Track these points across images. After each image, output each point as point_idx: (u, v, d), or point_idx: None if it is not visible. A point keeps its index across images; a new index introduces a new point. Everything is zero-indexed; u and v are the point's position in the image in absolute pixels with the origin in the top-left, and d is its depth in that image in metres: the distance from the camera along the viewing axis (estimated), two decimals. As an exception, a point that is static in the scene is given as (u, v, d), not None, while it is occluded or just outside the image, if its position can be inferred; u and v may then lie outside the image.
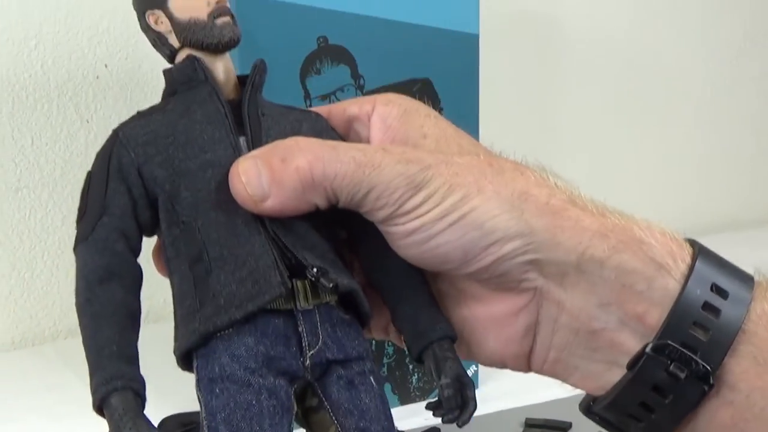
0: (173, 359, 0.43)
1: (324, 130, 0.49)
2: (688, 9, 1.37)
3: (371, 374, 0.45)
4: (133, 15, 0.47)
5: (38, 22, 1.00)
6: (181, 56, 0.47)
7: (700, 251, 0.46)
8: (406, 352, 0.48)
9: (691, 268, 0.45)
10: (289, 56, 0.75)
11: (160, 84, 1.11)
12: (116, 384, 0.41)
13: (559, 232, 0.45)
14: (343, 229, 0.49)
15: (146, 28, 0.48)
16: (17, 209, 1.04)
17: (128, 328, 0.43)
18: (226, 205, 0.44)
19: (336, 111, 0.50)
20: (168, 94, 0.48)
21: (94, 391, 0.41)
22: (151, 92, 1.05)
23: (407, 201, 0.44)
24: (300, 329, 0.43)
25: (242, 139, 0.46)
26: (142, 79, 1.05)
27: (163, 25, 0.47)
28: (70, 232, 1.04)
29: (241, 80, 0.48)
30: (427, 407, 0.46)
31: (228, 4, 0.48)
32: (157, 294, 1.12)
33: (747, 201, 1.47)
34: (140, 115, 0.46)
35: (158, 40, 0.48)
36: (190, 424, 0.74)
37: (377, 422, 0.44)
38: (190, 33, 0.47)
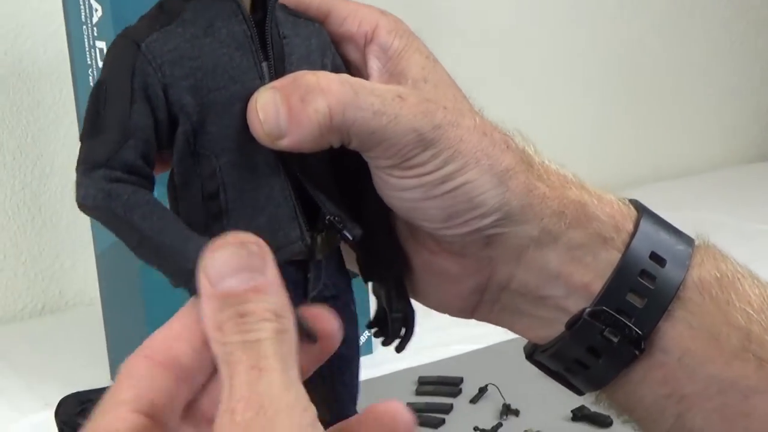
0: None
1: (327, 46, 0.46)
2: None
3: (352, 303, 0.47)
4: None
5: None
6: None
7: (642, 217, 0.48)
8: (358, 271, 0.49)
9: (633, 235, 0.47)
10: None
11: (42, 78, 1.09)
12: None
13: (528, 210, 0.47)
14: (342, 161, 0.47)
15: None
16: None
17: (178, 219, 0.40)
18: (251, 143, 0.42)
19: (334, 20, 0.47)
20: None
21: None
22: (33, 87, 1.05)
23: (413, 157, 0.45)
24: (309, 275, 0.44)
25: (265, 65, 0.43)
26: (24, 73, 1.04)
27: None
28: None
29: None
30: (368, 326, 0.50)
31: None
32: (51, 286, 1.11)
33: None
34: (155, 21, 0.41)
35: None
36: (87, 402, 0.75)
37: (352, 349, 0.46)
38: None
